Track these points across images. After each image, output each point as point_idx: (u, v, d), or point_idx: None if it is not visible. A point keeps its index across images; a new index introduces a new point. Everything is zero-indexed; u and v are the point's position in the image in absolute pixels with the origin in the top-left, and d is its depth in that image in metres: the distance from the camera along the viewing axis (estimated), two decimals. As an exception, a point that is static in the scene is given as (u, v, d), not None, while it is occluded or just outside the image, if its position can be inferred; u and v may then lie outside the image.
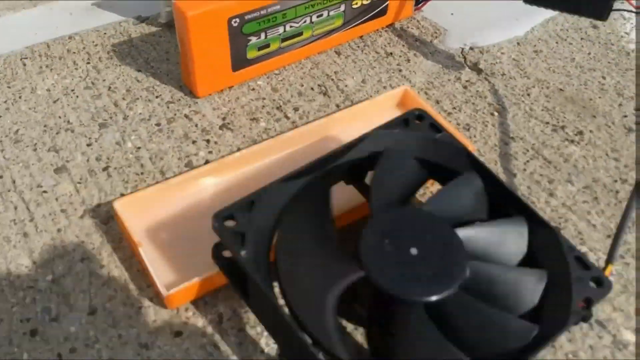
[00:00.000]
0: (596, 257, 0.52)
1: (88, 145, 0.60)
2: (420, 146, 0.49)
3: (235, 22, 0.60)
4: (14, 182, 0.56)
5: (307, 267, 0.43)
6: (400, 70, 0.70)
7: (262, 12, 0.62)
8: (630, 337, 0.47)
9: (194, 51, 0.60)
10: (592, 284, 0.42)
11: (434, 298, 0.40)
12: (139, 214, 0.51)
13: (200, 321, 0.47)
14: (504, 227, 0.45)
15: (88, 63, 0.69)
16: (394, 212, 0.45)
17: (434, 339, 0.40)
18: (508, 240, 0.45)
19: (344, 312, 0.45)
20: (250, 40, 0.63)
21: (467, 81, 0.69)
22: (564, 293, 0.41)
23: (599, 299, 0.41)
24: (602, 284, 0.42)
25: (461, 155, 0.48)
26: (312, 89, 0.67)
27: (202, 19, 0.58)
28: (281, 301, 0.41)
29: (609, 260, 0.46)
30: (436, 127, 0.50)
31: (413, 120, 0.50)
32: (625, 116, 0.65)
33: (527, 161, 0.60)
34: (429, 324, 0.40)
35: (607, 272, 0.45)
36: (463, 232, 0.44)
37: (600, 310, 0.49)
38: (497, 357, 0.40)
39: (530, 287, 0.42)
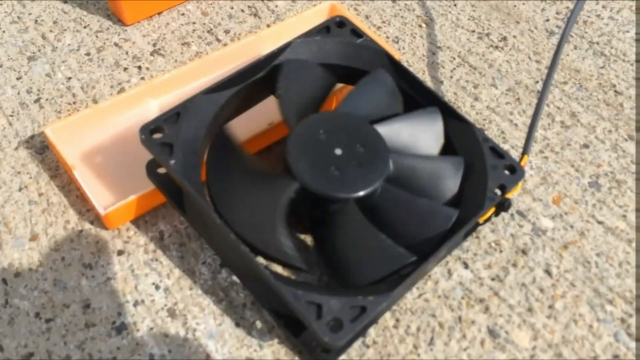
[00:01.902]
0: (517, 153, 0.55)
1: (18, 78, 0.59)
2: (341, 52, 0.50)
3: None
4: (-56, 119, 0.56)
5: (245, 194, 0.44)
6: (329, -12, 0.70)
7: None
8: (548, 223, 0.50)
9: (117, -23, 0.59)
10: (506, 172, 0.45)
11: (362, 193, 0.43)
12: (72, 139, 0.51)
13: (141, 239, 0.49)
14: (419, 118, 0.47)
15: (12, -3, 0.68)
16: (312, 119, 0.46)
17: (367, 230, 0.42)
18: (425, 129, 0.47)
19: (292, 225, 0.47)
20: (175, -37, 0.63)
21: (395, -5, 0.70)
22: (481, 181, 0.44)
23: (512, 184, 0.44)
24: (515, 171, 0.45)
25: (382, 58, 0.50)
26: (242, 10, 0.67)
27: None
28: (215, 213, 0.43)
29: (524, 151, 0.49)
30: (357, 33, 0.51)
31: (334, 27, 0.51)
32: (547, 20, 0.68)
33: (454, 69, 0.62)
34: (361, 218, 0.42)
35: (523, 163, 0.48)
36: (381, 128, 0.46)
37: (521, 201, 0.52)
38: (423, 242, 0.43)
39: (450, 174, 0.45)
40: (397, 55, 0.59)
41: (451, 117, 0.48)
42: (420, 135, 0.47)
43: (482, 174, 0.44)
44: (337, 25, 0.52)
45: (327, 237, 0.44)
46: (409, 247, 0.42)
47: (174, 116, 0.45)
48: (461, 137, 0.47)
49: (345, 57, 0.50)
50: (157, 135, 0.45)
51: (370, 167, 0.44)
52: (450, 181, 0.45)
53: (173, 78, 0.56)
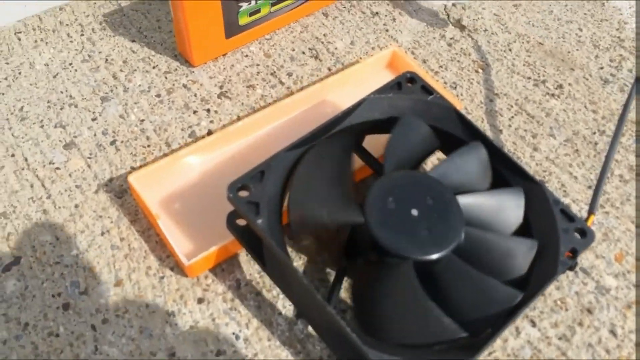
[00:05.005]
0: (579, 208, 0.56)
1: (93, 119, 0.62)
2: (412, 108, 0.52)
3: (226, -11, 0.62)
4: (26, 160, 0.58)
5: (315, 206, 0.46)
6: (387, 30, 0.72)
7: (252, -20, 0.63)
8: (612, 282, 0.52)
9: (188, 20, 0.61)
10: (576, 235, 0.47)
11: (424, 257, 0.44)
12: (153, 186, 0.54)
13: (220, 287, 0.51)
14: (503, 196, 0.49)
15: (82, 35, 0.70)
16: (403, 174, 0.48)
17: (417, 296, 0.43)
18: (505, 209, 0.48)
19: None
20: (241, 6, 0.65)
21: (451, 38, 0.72)
22: (553, 244, 0.46)
23: (583, 248, 0.46)
24: (586, 235, 0.46)
25: (451, 115, 0.52)
26: (303, 52, 0.69)
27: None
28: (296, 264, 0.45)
29: (591, 210, 0.50)
30: (427, 90, 0.53)
31: (405, 83, 0.54)
32: (602, 68, 0.69)
33: (512, 117, 0.64)
34: (414, 281, 0.44)
35: (589, 222, 0.49)
36: (463, 199, 0.47)
37: (584, 258, 0.53)
38: (482, 320, 0.44)
39: (522, 256, 0.46)
40: (459, 105, 0.61)
41: (521, 177, 0.49)
42: (500, 213, 0.48)
43: (554, 238, 0.46)
44: (407, 81, 0.54)
45: (373, 284, 0.45)
46: (463, 322, 0.43)
47: (258, 174, 0.47)
48: (531, 198, 0.49)
49: (415, 113, 0.52)
50: (242, 193, 0.47)
51: (440, 234, 0.45)
52: (521, 263, 0.46)
53: (244, 126, 0.58)
